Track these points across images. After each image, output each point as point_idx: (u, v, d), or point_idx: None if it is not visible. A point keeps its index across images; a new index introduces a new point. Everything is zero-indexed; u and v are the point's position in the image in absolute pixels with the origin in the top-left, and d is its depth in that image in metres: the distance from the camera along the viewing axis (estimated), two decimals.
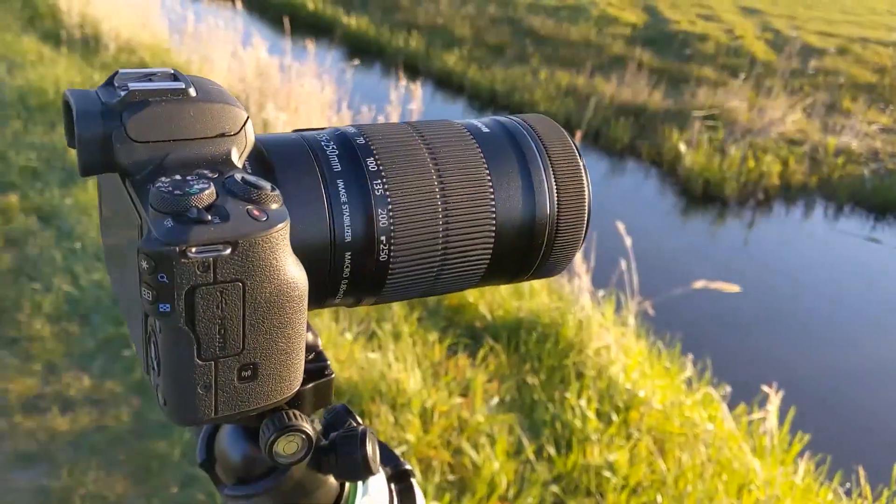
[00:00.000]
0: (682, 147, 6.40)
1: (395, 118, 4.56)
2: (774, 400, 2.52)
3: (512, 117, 0.50)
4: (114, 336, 2.72)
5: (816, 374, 3.95)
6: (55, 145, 4.25)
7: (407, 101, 4.74)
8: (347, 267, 0.42)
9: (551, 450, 2.43)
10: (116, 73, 0.40)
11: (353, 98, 5.20)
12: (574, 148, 0.48)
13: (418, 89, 4.42)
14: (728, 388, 2.86)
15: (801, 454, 2.61)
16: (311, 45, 5.57)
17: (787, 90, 7.70)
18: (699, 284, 2.96)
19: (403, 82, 4.82)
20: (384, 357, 2.71)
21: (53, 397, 2.44)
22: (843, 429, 3.49)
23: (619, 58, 8.69)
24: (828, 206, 6.24)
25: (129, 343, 2.68)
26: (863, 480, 2.49)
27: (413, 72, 7.70)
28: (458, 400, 2.59)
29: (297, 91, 5.20)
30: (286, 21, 5.99)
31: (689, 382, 2.99)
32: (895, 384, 4.06)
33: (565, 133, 0.49)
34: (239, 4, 6.90)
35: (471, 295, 3.21)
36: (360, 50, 8.65)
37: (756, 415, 2.70)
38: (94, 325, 2.79)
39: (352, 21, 9.61)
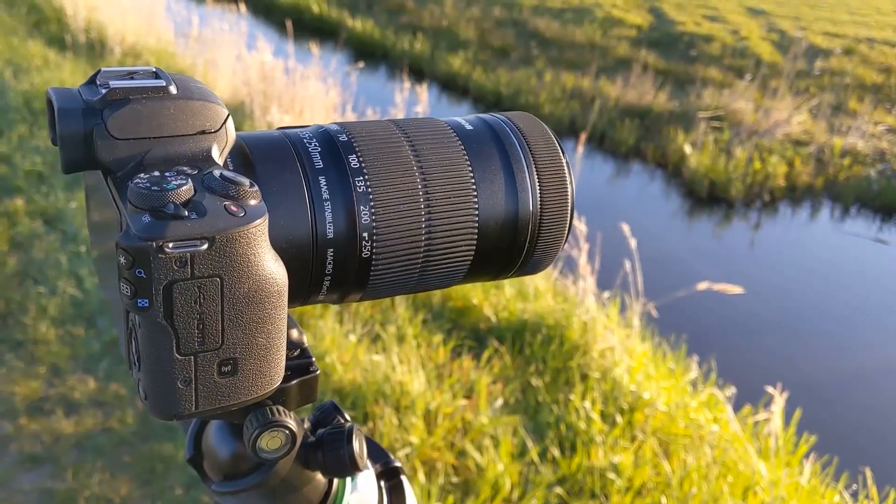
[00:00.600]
0: (688, 148, 6.39)
1: None
2: (779, 401, 2.51)
3: (496, 115, 0.50)
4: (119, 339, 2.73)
5: (822, 376, 3.93)
6: None
7: (412, 103, 4.74)
8: (330, 263, 0.43)
9: (556, 452, 2.43)
10: (99, 71, 0.40)
11: (358, 101, 5.21)
12: (557, 145, 0.48)
13: (424, 92, 4.42)
14: (733, 390, 2.86)
15: (806, 455, 2.59)
16: (315, 48, 5.58)
17: (792, 91, 7.68)
18: (702, 286, 2.95)
19: (408, 85, 4.83)
20: (388, 359, 2.71)
21: (58, 400, 2.44)
22: (850, 430, 3.48)
23: (624, 59, 8.69)
24: (834, 207, 6.22)
25: None
26: (870, 482, 2.48)
27: (418, 74, 7.71)
28: (462, 402, 2.59)
29: (302, 94, 5.21)
30: (289, 24, 6.00)
31: (693, 384, 2.98)
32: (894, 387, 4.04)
33: (549, 130, 0.49)
34: (243, 8, 6.93)
35: (475, 297, 3.21)
36: (365, 53, 8.66)
37: (761, 416, 2.69)
38: (100, 328, 2.79)
39: (357, 24, 9.63)
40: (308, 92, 5.19)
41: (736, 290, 2.85)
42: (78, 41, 6.50)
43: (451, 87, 8.14)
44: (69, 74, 5.55)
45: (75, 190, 3.80)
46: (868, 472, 2.51)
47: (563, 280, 3.52)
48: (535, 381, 2.79)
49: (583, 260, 3.23)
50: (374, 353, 2.77)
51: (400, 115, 4.67)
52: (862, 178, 6.41)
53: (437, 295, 3.22)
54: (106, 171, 0.38)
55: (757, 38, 9.80)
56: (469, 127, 0.48)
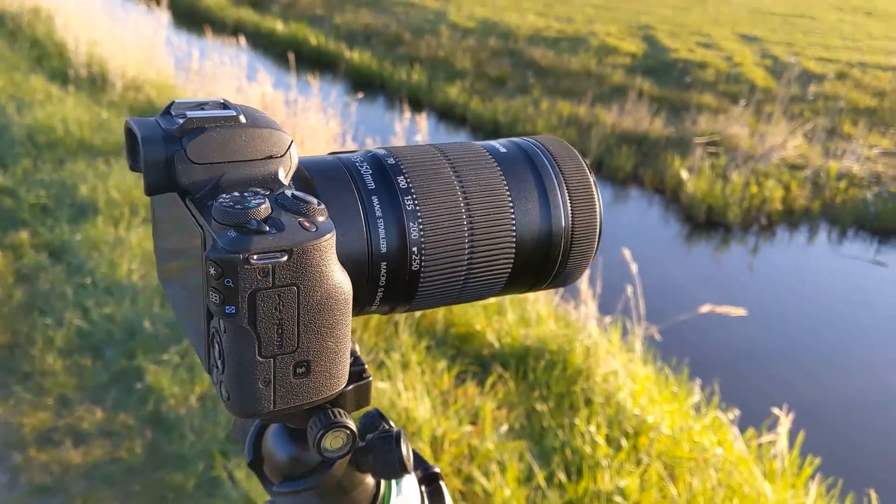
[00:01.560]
0: (685, 174, 6.44)
1: None
2: (785, 422, 2.53)
3: (526, 138, 0.53)
4: (127, 368, 2.75)
5: (824, 397, 3.95)
6: (64, 182, 4.31)
7: (411, 132, 4.79)
8: (383, 276, 0.46)
9: (562, 476, 2.44)
10: (173, 103, 0.44)
11: (358, 130, 5.26)
12: (585, 166, 0.52)
13: (424, 121, 4.47)
14: (737, 412, 2.87)
15: (812, 477, 2.61)
16: (314, 80, 5.65)
17: (787, 116, 7.76)
18: (705, 309, 2.98)
19: (408, 115, 4.88)
20: (393, 386, 2.73)
21: (67, 430, 2.46)
22: (854, 452, 3.49)
23: (619, 87, 8.78)
24: (831, 230, 6.27)
25: (142, 375, 2.70)
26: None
27: (416, 104, 7.77)
28: (467, 428, 2.60)
29: (303, 125, 5.26)
30: (291, 56, 6.07)
31: (697, 407, 3.00)
32: None
33: (576, 152, 0.52)
34: (243, 41, 7.01)
35: (478, 323, 3.24)
36: (364, 83, 8.75)
37: (766, 438, 2.70)
38: (107, 359, 2.81)
39: (355, 55, 9.73)
40: (309, 122, 5.25)
41: (739, 311, 2.88)
42: (80, 76, 6.57)
43: (449, 115, 8.22)
44: (72, 108, 5.61)
45: (80, 223, 3.83)
46: (873, 494, 2.52)
47: (564, 305, 3.55)
48: (540, 406, 2.81)
49: (584, 285, 3.26)
50: (379, 380, 2.78)
51: (401, 144, 4.73)
52: (858, 201, 6.46)
53: (440, 321, 3.25)
54: (184, 193, 0.42)
55: (750, 64, 9.91)
56: (503, 150, 0.51)
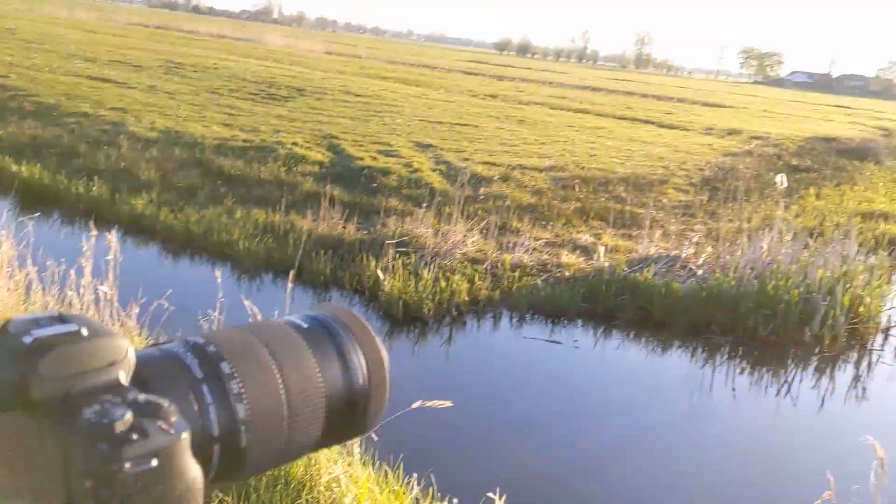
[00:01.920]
0: (380, 273, 6.78)
1: (88, 270, 4.35)
2: None
3: (319, 312, 0.60)
4: None
5: (529, 472, 4.30)
6: None
7: (101, 251, 4.54)
8: (216, 456, 0.50)
9: None
10: (9, 321, 0.46)
11: (38, 252, 4.87)
12: (369, 329, 0.60)
13: (114, 240, 4.28)
14: (455, 501, 3.04)
15: None
16: None
17: (464, 215, 8.51)
18: (416, 405, 3.15)
19: (95, 232, 4.63)
20: None
21: None
22: None
23: (311, 194, 9.06)
24: (512, 315, 6.92)
25: None
26: None
27: (100, 219, 7.36)
28: None
29: None
30: None
31: (417, 500, 3.13)
32: (598, 470, 4.54)
33: (362, 318, 0.60)
34: None
35: None
36: (37, 199, 8.12)
37: None
38: None
39: (23, 169, 9.02)
40: None
41: (445, 403, 3.08)
42: None
43: (138, 229, 7.88)
44: None
45: None
46: None
47: None
48: None
49: None
50: None
51: (88, 265, 4.46)
52: (531, 288, 7.24)
53: None
54: (37, 408, 0.44)
55: (428, 170, 10.77)
56: (305, 325, 0.58)
